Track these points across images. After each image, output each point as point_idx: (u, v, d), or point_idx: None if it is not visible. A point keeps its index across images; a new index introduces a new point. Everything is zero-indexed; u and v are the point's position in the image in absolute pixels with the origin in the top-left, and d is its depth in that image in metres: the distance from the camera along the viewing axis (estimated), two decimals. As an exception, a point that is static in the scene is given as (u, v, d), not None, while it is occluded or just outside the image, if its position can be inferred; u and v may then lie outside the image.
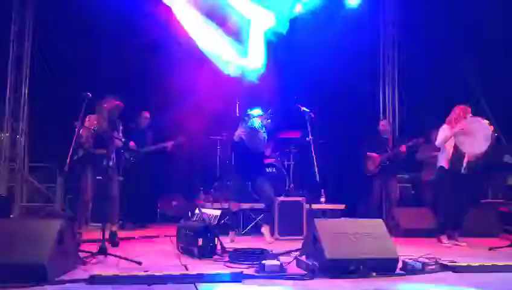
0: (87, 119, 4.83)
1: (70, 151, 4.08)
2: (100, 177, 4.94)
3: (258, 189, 5.52)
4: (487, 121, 5.08)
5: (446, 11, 7.37)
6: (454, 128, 5.21)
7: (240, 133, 5.28)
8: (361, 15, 8.31)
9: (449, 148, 5.29)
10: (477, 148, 5.11)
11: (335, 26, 8.10)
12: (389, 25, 9.02)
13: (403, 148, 6.51)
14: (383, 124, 6.89)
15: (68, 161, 4.02)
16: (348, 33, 7.94)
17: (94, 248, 4.05)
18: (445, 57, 7.43)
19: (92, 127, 4.76)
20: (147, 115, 6.92)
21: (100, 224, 4.27)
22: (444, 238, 5.35)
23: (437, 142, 5.45)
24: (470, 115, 5.25)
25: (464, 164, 5.23)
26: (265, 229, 5.45)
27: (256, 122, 5.32)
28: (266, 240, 5.29)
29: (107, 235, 4.93)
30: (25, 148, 7.49)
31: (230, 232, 5.45)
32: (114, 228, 5.04)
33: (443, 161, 5.38)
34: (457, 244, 5.28)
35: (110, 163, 4.74)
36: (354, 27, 8.06)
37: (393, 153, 6.59)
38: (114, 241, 4.94)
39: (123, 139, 4.98)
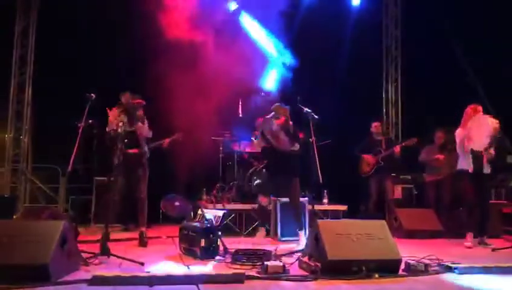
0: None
1: (74, 152, 4.10)
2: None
3: (288, 191, 5.50)
4: (491, 116, 5.08)
5: (448, 11, 7.36)
6: (464, 128, 5.23)
7: (258, 143, 5.40)
8: (364, 15, 8.32)
9: (467, 150, 5.29)
10: (483, 141, 5.13)
11: (338, 26, 8.12)
12: (391, 25, 9.03)
13: (397, 148, 6.62)
14: (375, 126, 6.96)
15: (71, 162, 4.04)
16: (351, 34, 7.96)
17: (97, 248, 4.06)
18: (448, 58, 7.42)
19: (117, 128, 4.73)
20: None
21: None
22: (469, 237, 5.32)
23: (457, 148, 5.45)
24: (480, 112, 5.25)
25: (485, 164, 5.23)
26: (263, 230, 5.47)
27: (277, 123, 5.28)
28: (271, 242, 5.27)
29: (136, 236, 5.04)
30: (28, 149, 7.52)
31: (260, 229, 5.46)
32: (143, 228, 5.06)
33: (463, 163, 5.36)
34: (485, 246, 5.26)
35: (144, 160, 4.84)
36: (356, 27, 8.07)
37: (387, 154, 6.61)
38: (143, 241, 4.95)
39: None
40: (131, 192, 5.12)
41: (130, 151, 4.90)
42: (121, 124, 4.57)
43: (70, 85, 6.87)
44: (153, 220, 7.25)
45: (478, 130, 5.16)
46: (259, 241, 5.28)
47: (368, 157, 6.77)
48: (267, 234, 5.77)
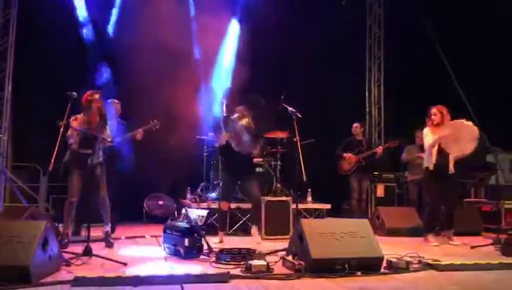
0: (72, 119, 4.70)
1: (55, 150, 4.03)
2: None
3: (246, 189, 5.51)
4: (470, 122, 5.16)
5: (431, 11, 7.46)
6: (440, 132, 5.29)
7: (223, 138, 5.26)
8: (348, 14, 8.39)
9: (434, 150, 5.37)
10: (463, 150, 5.22)
11: (322, 26, 8.17)
12: (374, 25, 9.13)
13: (380, 149, 6.80)
14: (356, 126, 7.12)
15: (52, 160, 3.97)
16: (335, 33, 8.01)
17: (79, 249, 4.01)
18: (431, 58, 7.53)
19: (78, 128, 4.65)
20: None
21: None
22: (431, 238, 5.43)
23: (425, 147, 5.54)
24: (447, 114, 5.34)
25: (451, 165, 5.33)
26: (254, 230, 5.43)
27: (241, 123, 5.25)
28: (255, 241, 5.27)
29: (102, 236, 4.94)
30: (8, 148, 7.37)
31: (219, 233, 5.42)
32: (108, 228, 4.98)
33: (428, 162, 5.45)
34: (452, 244, 5.36)
35: (95, 161, 4.70)
36: (340, 27, 8.13)
37: (368, 154, 6.77)
38: (109, 241, 4.88)
39: (110, 139, 4.89)
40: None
41: (84, 151, 4.75)
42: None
43: (51, 83, 6.75)
44: (136, 219, 7.22)
45: (458, 136, 5.19)
46: (243, 240, 5.28)
47: (350, 156, 6.88)
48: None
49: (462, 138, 5.16)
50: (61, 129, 4.26)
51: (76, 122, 4.70)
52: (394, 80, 8.65)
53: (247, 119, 5.29)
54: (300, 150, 4.79)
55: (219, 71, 7.51)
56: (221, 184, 5.80)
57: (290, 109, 5.11)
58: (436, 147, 5.34)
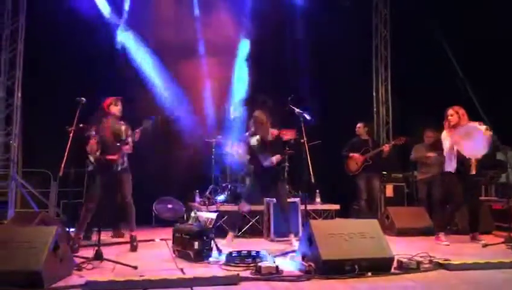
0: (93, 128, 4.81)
1: (65, 156, 4.08)
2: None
3: (276, 198, 5.51)
4: (485, 126, 5.13)
5: (438, 10, 7.43)
6: (453, 135, 5.28)
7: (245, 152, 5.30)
8: (354, 15, 8.37)
9: (454, 153, 5.35)
10: (476, 152, 5.21)
11: (328, 26, 8.15)
12: (381, 25, 9.10)
13: (386, 147, 6.70)
14: (359, 127, 7.04)
15: (62, 166, 4.01)
16: (341, 33, 8.00)
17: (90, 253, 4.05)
18: (438, 57, 7.49)
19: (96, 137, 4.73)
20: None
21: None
22: (443, 237, 5.39)
23: (445, 151, 5.51)
24: (464, 114, 5.30)
25: (473, 166, 5.30)
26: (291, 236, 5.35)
27: (252, 142, 5.25)
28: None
29: (128, 240, 5.01)
30: (19, 153, 7.45)
31: (229, 233, 5.39)
32: (133, 233, 5.03)
33: (449, 166, 5.42)
34: (477, 242, 5.32)
35: (119, 168, 4.79)
36: (347, 27, 8.11)
37: (375, 153, 6.70)
38: (133, 245, 4.93)
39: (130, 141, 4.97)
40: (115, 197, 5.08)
41: (110, 156, 4.85)
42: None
43: (60, 89, 6.83)
44: (145, 223, 7.24)
45: (471, 138, 5.18)
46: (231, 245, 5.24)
47: (356, 156, 6.81)
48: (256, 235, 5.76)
49: (474, 141, 5.13)
50: (71, 135, 4.30)
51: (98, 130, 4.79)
52: (401, 79, 8.60)
53: (256, 138, 5.27)
54: (307, 151, 4.78)
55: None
56: (248, 185, 5.78)
57: (297, 110, 5.10)
58: (455, 150, 5.32)
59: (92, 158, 4.89)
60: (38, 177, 7.53)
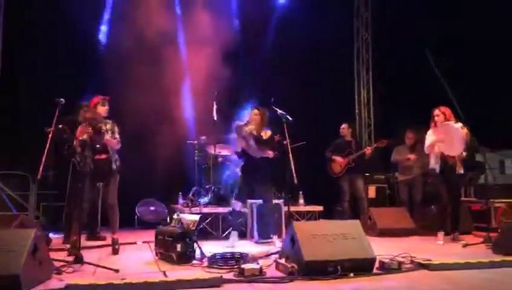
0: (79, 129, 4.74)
1: (43, 158, 4.01)
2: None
3: (261, 195, 5.53)
4: (460, 124, 5.23)
5: (418, 13, 7.55)
6: (435, 134, 5.38)
7: (242, 146, 5.30)
8: (335, 18, 8.45)
9: (435, 153, 5.44)
10: (454, 150, 5.31)
11: (310, 29, 8.22)
12: (362, 28, 9.20)
13: (368, 150, 6.80)
14: (343, 127, 7.10)
15: (41, 168, 3.94)
16: (323, 36, 8.06)
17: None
18: (419, 59, 7.61)
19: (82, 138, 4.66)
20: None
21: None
22: (441, 236, 5.46)
23: (425, 148, 5.61)
24: (450, 115, 5.40)
25: (458, 164, 5.39)
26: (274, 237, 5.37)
27: (246, 130, 5.27)
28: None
29: (109, 242, 4.95)
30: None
31: (232, 232, 5.40)
32: (115, 236, 4.94)
33: (432, 164, 5.52)
34: (458, 242, 5.40)
35: (114, 166, 4.77)
36: (328, 30, 8.18)
37: (357, 155, 6.75)
38: (115, 248, 4.84)
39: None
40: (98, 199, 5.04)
41: (99, 157, 4.80)
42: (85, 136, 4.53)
43: (40, 89, 6.70)
44: (128, 225, 7.16)
45: (449, 136, 5.30)
46: (234, 245, 5.25)
47: (339, 159, 6.88)
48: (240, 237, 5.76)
49: (451, 138, 5.23)
50: (50, 136, 4.22)
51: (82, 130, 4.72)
52: (383, 82, 8.71)
53: (251, 126, 5.32)
54: (290, 153, 4.79)
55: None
56: (239, 184, 5.79)
57: (279, 111, 5.12)
58: (438, 149, 5.40)
59: (78, 158, 4.81)
60: (17, 180, 7.36)
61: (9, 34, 7.23)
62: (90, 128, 4.62)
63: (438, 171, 5.48)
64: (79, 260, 3.94)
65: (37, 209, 7.08)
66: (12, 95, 7.13)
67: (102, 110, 5.02)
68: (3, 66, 7.23)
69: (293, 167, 4.71)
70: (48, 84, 6.60)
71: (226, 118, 6.31)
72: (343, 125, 7.12)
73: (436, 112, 5.49)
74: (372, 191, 7.70)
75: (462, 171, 5.47)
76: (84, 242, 5.50)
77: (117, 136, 4.96)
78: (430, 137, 5.53)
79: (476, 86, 7.09)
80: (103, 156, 4.79)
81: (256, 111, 5.42)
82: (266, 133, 5.43)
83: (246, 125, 5.36)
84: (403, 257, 4.11)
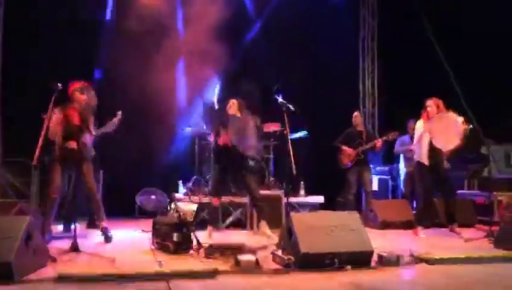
0: (55, 112, 4.63)
1: (39, 144, 3.97)
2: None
3: (243, 185, 5.32)
4: (460, 118, 5.11)
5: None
6: (427, 124, 5.26)
7: (227, 138, 5.01)
8: (341, 6, 8.31)
9: (425, 143, 5.33)
10: (448, 143, 5.17)
11: (315, 16, 8.09)
12: (368, 15, 9.04)
13: (379, 142, 6.55)
14: (355, 116, 6.85)
15: (36, 153, 3.91)
16: (328, 24, 7.94)
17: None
18: (423, 48, 7.47)
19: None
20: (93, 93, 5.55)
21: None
22: (421, 230, 5.40)
23: (414, 141, 5.52)
24: (442, 107, 5.28)
25: (445, 158, 5.28)
26: (263, 224, 5.16)
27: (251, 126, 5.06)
28: (267, 235, 5.00)
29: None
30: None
31: (208, 227, 5.35)
32: (104, 224, 4.87)
33: (419, 155, 5.42)
34: (456, 235, 5.34)
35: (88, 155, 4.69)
36: (333, 18, 8.05)
37: (368, 147, 6.62)
38: (108, 236, 4.78)
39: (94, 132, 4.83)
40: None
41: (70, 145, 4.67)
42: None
43: (41, 75, 6.63)
44: (129, 214, 7.16)
45: (444, 129, 5.15)
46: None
47: (348, 150, 6.66)
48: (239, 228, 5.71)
49: (448, 131, 5.11)
50: (45, 122, 4.18)
51: (58, 115, 4.63)
52: (388, 72, 8.57)
53: (255, 120, 5.13)
54: (290, 143, 4.70)
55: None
56: (211, 179, 5.65)
57: (280, 100, 5.01)
58: (427, 140, 5.30)
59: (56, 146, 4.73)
60: (19, 166, 7.34)
61: (9, 22, 7.16)
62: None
63: (425, 163, 5.35)
64: (75, 248, 3.92)
65: (38, 196, 7.07)
66: (13, 80, 7.09)
67: (82, 98, 4.80)
68: (4, 52, 7.18)
69: (292, 157, 4.61)
70: (51, 69, 6.54)
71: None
72: (355, 113, 6.86)
73: (429, 102, 5.34)
74: (374, 183, 7.60)
75: (447, 166, 5.36)
76: (84, 230, 5.55)
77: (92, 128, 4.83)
78: (419, 130, 5.41)
79: (482, 77, 6.95)
80: (74, 145, 4.66)
81: (233, 101, 5.22)
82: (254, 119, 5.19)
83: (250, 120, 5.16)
84: (402, 251, 4.05)
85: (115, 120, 5.22)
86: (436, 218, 6.05)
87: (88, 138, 4.80)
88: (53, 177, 4.72)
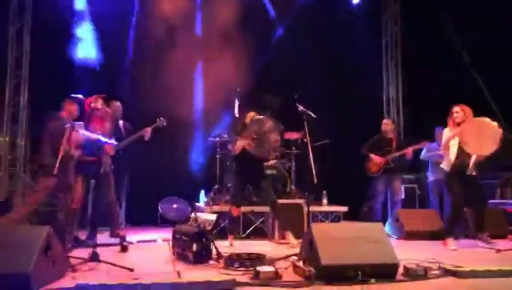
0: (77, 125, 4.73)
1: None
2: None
3: (262, 195, 5.35)
4: (496, 123, 4.90)
5: (450, 6, 7.19)
6: (456, 128, 5.06)
7: (239, 145, 5.02)
8: (363, 12, 8.20)
9: (453, 150, 5.13)
10: (481, 149, 4.96)
11: (337, 24, 8.01)
12: (391, 22, 8.88)
13: (410, 151, 6.34)
14: (386, 123, 6.67)
15: (57, 164, 3.95)
16: (350, 31, 7.83)
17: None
18: (450, 54, 7.25)
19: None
20: (118, 104, 5.91)
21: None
22: (450, 241, 5.17)
23: (441, 146, 5.33)
24: (470, 114, 5.09)
25: (471, 165, 5.06)
26: (288, 235, 5.20)
27: (269, 124, 5.04)
28: (292, 245, 5.03)
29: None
30: (26, 152, 7.43)
31: (229, 236, 5.31)
32: (121, 233, 4.91)
33: (447, 163, 5.23)
34: (487, 246, 5.12)
35: (102, 170, 4.72)
36: (356, 25, 7.95)
37: (398, 155, 6.41)
38: (124, 246, 4.82)
39: (115, 143, 4.89)
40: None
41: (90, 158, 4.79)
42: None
43: (67, 87, 6.77)
44: (150, 223, 7.18)
45: (477, 134, 4.94)
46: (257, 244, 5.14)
47: (377, 158, 6.48)
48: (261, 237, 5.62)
49: (483, 136, 4.90)
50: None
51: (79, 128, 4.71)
52: (412, 78, 8.35)
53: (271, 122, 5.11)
54: (311, 151, 4.61)
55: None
56: (231, 189, 5.62)
57: (300, 108, 4.94)
58: (455, 148, 5.10)
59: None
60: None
61: (35, 36, 7.35)
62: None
63: (451, 171, 5.16)
64: (95, 257, 3.91)
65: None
66: (40, 93, 7.26)
67: (102, 110, 4.95)
68: (31, 65, 7.37)
69: (313, 165, 4.51)
70: (76, 81, 6.69)
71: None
72: (386, 121, 6.69)
73: (456, 108, 5.16)
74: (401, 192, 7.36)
75: (474, 173, 5.12)
76: (106, 239, 5.56)
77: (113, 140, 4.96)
78: (446, 134, 5.22)
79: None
80: (93, 158, 4.76)
81: (252, 113, 5.22)
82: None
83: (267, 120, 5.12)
84: (430, 263, 3.87)
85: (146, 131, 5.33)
86: (467, 229, 5.80)
87: (110, 150, 4.85)
88: (74, 188, 4.77)
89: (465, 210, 5.63)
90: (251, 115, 5.18)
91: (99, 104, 4.87)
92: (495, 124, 4.92)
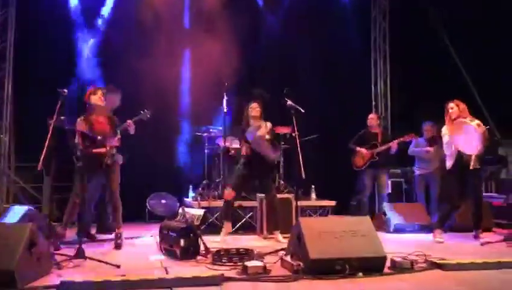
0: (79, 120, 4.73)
1: (44, 149, 3.96)
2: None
3: (265, 190, 5.38)
4: (474, 121, 4.95)
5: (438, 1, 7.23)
6: (450, 130, 5.13)
7: (247, 148, 5.14)
8: (352, 6, 8.20)
9: (452, 147, 5.19)
10: (470, 148, 5.03)
11: (326, 18, 8.01)
12: (379, 17, 8.89)
13: (394, 145, 6.39)
14: (371, 118, 6.72)
15: (41, 158, 3.89)
16: (339, 26, 7.83)
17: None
18: (437, 49, 7.29)
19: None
20: (115, 97, 5.69)
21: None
22: (438, 233, 5.22)
23: (444, 147, 5.36)
24: (464, 109, 5.13)
25: (472, 160, 5.11)
26: (277, 234, 5.27)
27: (259, 134, 5.10)
28: (279, 241, 5.09)
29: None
30: (10, 148, 7.31)
31: (225, 223, 5.24)
32: (120, 230, 4.84)
33: (448, 162, 5.28)
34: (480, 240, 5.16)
35: (109, 161, 4.74)
36: (345, 19, 7.95)
37: (383, 149, 6.45)
38: (118, 243, 4.75)
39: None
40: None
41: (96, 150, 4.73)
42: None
43: (53, 81, 6.65)
44: (139, 219, 7.11)
45: (466, 135, 5.02)
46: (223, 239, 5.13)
47: (363, 151, 6.53)
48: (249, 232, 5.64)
49: (468, 137, 4.96)
50: (51, 127, 4.16)
51: (82, 123, 4.70)
52: (400, 73, 8.39)
53: (263, 129, 5.18)
54: (299, 146, 4.60)
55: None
56: (234, 174, 5.50)
57: (288, 102, 4.93)
58: (454, 147, 5.15)
59: (79, 153, 4.74)
60: (31, 172, 7.36)
61: (20, 29, 7.20)
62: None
63: (451, 169, 5.22)
64: (81, 254, 3.87)
65: (50, 201, 7.07)
66: (25, 86, 7.13)
67: (95, 99, 4.87)
68: (16, 58, 7.22)
69: (301, 160, 4.51)
70: (62, 75, 6.57)
71: (237, 110, 6.17)
72: (371, 116, 6.73)
73: (451, 104, 5.21)
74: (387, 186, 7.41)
75: (478, 166, 5.17)
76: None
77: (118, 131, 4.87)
78: (446, 135, 5.27)
79: (498, 76, 6.74)
80: (102, 149, 4.71)
81: (255, 104, 5.26)
82: (266, 126, 5.26)
83: (257, 129, 5.18)
84: (416, 256, 3.91)
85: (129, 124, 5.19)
86: (462, 221, 5.83)
87: (115, 142, 4.84)
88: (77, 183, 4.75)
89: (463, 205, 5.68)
90: (254, 106, 5.23)
91: (98, 98, 4.84)
92: (474, 123, 4.97)
